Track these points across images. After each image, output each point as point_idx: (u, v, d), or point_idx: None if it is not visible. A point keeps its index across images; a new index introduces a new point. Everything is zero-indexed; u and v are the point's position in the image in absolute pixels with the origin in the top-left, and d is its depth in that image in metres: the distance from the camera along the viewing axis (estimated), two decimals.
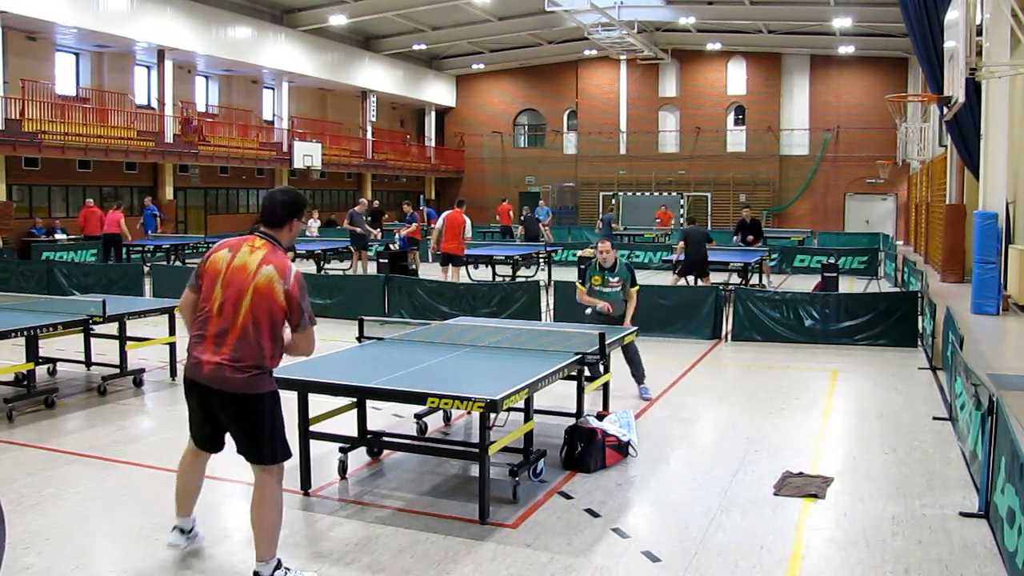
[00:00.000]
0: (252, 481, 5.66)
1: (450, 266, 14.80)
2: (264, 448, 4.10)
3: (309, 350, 4.24)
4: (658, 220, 29.24)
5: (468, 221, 14.84)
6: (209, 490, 5.59)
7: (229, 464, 6.19)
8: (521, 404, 5.34)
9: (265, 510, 4.08)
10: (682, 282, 14.54)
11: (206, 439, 4.37)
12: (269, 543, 4.07)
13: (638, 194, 37.06)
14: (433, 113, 40.87)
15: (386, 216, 27.13)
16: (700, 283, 13.97)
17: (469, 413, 6.88)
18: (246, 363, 3.99)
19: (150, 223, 23.20)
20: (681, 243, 14.62)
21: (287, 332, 4.13)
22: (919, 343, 10.69)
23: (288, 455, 4.19)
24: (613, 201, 36.30)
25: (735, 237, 19.61)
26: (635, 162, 37.84)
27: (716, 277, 15.24)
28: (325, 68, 32.21)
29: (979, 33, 11.33)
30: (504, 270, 16.78)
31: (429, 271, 16.73)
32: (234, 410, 4.07)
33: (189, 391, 4.20)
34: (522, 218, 22.19)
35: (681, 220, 29.91)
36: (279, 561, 4.11)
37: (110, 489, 5.55)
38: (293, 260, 4.18)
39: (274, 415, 4.12)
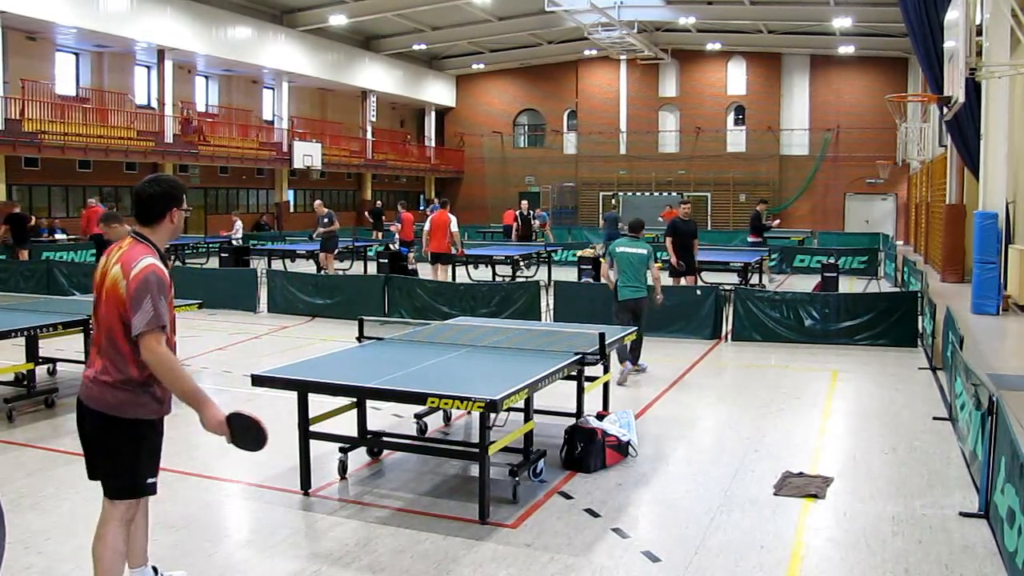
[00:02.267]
0: (252, 481, 5.70)
1: (439, 265, 14.91)
2: (109, 478, 3.65)
3: (156, 361, 3.49)
4: (662, 220, 29.19)
5: (454, 219, 14.87)
6: (209, 490, 5.60)
7: (229, 464, 6.20)
8: (521, 404, 5.34)
9: (100, 547, 3.64)
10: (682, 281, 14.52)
11: (88, 465, 3.78)
12: None
13: (638, 194, 37.06)
14: (433, 113, 40.87)
15: (385, 216, 27.20)
16: (684, 281, 13.29)
17: (469, 413, 6.88)
18: (112, 377, 3.57)
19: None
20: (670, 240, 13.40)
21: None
22: (919, 343, 10.69)
23: (134, 496, 3.65)
24: (613, 201, 36.26)
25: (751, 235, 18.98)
26: (635, 162, 37.85)
27: (717, 277, 15.25)
28: (325, 68, 32.22)
29: (979, 33, 11.32)
30: (504, 270, 16.80)
31: (429, 271, 16.75)
32: (93, 428, 3.67)
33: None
34: (520, 215, 22.18)
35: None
36: None
37: None
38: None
39: (133, 446, 3.61)
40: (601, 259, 9.33)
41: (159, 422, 3.74)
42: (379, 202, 29.47)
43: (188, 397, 3.58)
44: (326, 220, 17.86)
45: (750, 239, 18.73)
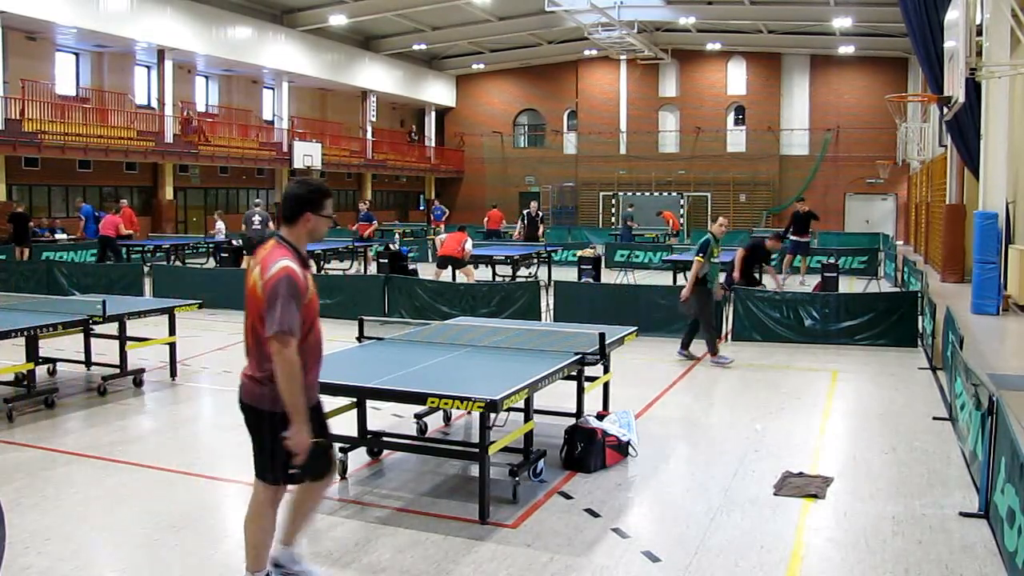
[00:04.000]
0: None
1: (449, 267, 15.15)
2: (255, 461, 3.89)
3: (279, 363, 3.59)
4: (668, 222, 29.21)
5: (470, 240, 15.54)
6: (209, 490, 5.61)
7: (229, 464, 6.20)
8: (521, 404, 5.34)
9: (246, 519, 3.92)
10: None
11: None
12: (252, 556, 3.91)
13: (638, 194, 37.08)
14: (433, 113, 40.89)
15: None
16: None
17: (469, 413, 6.88)
18: (256, 372, 3.77)
19: (91, 226, 21.63)
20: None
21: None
22: (919, 343, 10.69)
23: (273, 483, 3.86)
24: (624, 205, 36.26)
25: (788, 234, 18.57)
26: (635, 162, 37.85)
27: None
28: (325, 68, 32.23)
29: (979, 33, 11.32)
30: (504, 270, 16.81)
31: (428, 271, 16.76)
32: (245, 417, 3.88)
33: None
34: (527, 214, 22.09)
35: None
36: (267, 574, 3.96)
37: (110, 489, 5.55)
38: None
39: (272, 437, 3.77)
40: (699, 258, 9.72)
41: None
42: (370, 201, 29.47)
43: (294, 407, 3.65)
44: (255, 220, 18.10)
45: (795, 238, 18.51)
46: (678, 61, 36.87)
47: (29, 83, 22.94)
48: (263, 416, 3.75)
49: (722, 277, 10.96)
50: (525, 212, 22.42)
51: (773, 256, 13.20)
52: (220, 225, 22.93)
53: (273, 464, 3.79)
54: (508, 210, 37.78)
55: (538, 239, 21.05)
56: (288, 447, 3.67)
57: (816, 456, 6.30)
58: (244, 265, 17.32)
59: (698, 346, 10.05)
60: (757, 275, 12.66)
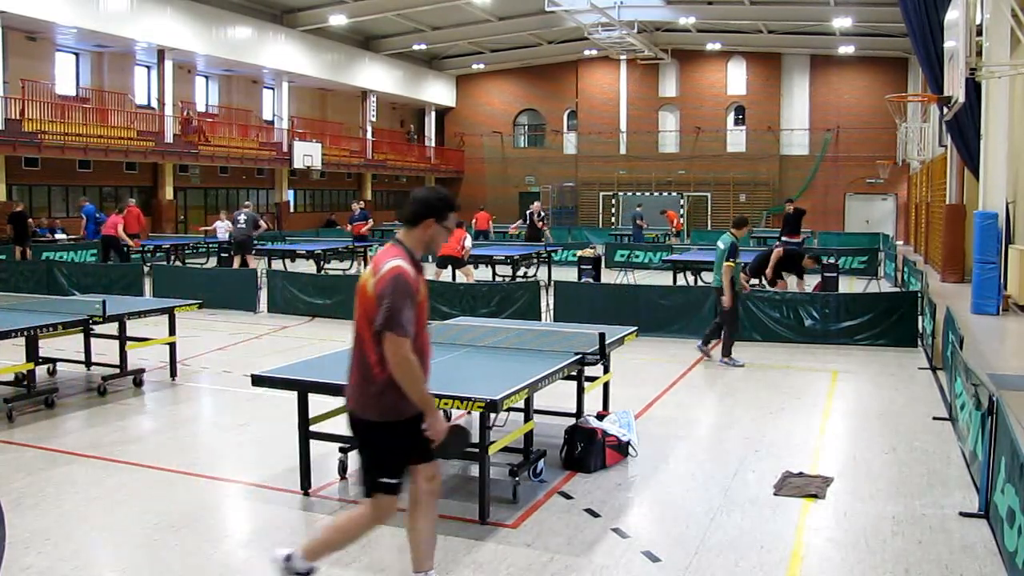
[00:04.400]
0: (251, 481, 5.69)
1: (449, 267, 15.11)
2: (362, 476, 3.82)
3: (395, 362, 3.52)
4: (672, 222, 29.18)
5: (469, 236, 15.54)
6: (209, 490, 5.61)
7: (229, 464, 6.20)
8: (521, 404, 5.34)
9: (340, 524, 3.85)
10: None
11: None
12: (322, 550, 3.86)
13: (638, 194, 37.08)
14: (433, 113, 40.89)
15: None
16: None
17: (469, 413, 6.87)
18: (359, 380, 3.68)
19: (92, 226, 21.49)
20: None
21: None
22: (919, 343, 10.69)
23: (371, 492, 3.74)
24: (632, 204, 36.28)
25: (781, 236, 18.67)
26: (635, 162, 37.86)
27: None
28: (325, 68, 32.23)
29: (979, 33, 11.32)
30: (504, 270, 16.81)
31: (427, 271, 16.76)
32: (364, 436, 3.76)
33: None
34: (529, 214, 22.08)
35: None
36: None
37: (110, 489, 5.55)
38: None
39: (381, 446, 3.71)
40: (730, 263, 9.66)
41: (398, 424, 3.69)
42: (362, 201, 29.46)
43: (422, 402, 3.63)
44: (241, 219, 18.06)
45: (786, 239, 18.50)
46: (678, 61, 36.87)
47: (29, 83, 22.93)
48: (377, 425, 3.67)
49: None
50: (528, 212, 22.42)
51: (805, 271, 13.28)
52: (221, 224, 22.87)
53: (367, 473, 3.75)
54: (508, 210, 37.95)
55: (539, 239, 21.04)
56: (435, 437, 3.68)
57: (816, 456, 6.30)
58: (236, 265, 17.34)
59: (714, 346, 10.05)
60: (783, 278, 12.82)
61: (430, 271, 15.90)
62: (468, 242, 15.16)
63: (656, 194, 36.54)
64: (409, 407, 3.63)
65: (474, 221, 25.28)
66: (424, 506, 3.83)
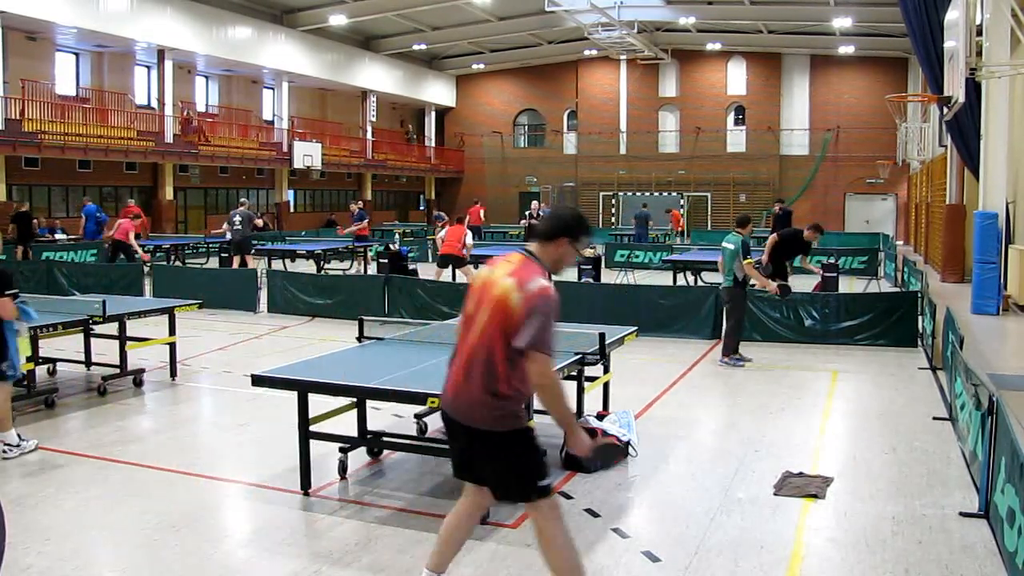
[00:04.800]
0: (251, 481, 5.70)
1: (451, 267, 15.11)
2: (516, 488, 3.68)
3: (542, 382, 3.46)
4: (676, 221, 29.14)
5: (470, 233, 15.40)
6: (209, 490, 5.61)
7: (229, 464, 6.20)
8: None
9: (543, 549, 3.69)
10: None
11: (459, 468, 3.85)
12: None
13: (638, 194, 37.08)
14: (433, 113, 40.88)
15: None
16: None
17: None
18: (483, 394, 3.53)
19: (91, 226, 21.35)
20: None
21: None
22: (919, 343, 10.69)
23: (542, 495, 3.63)
24: (637, 204, 36.27)
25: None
26: (635, 162, 37.86)
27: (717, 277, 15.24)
28: (325, 68, 32.23)
29: (979, 33, 11.31)
30: None
31: (428, 271, 16.77)
32: (484, 446, 3.64)
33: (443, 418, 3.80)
34: (528, 214, 22.11)
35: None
36: None
37: (110, 489, 5.55)
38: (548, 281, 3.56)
39: (522, 453, 3.62)
40: (748, 259, 9.63)
41: (526, 430, 3.64)
42: (361, 202, 29.47)
43: (565, 421, 3.57)
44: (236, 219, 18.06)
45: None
46: (678, 61, 36.87)
47: (29, 83, 22.93)
48: (509, 436, 3.57)
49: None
50: (527, 212, 22.44)
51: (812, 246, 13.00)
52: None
53: (532, 476, 3.61)
54: (509, 210, 37.96)
55: None
56: (581, 453, 3.66)
57: (816, 456, 6.30)
58: (235, 265, 17.32)
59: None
60: (789, 267, 12.50)
61: (429, 271, 15.93)
62: (469, 239, 15.13)
63: (656, 194, 36.53)
64: (525, 414, 3.67)
65: (467, 217, 25.24)
66: (469, 518, 3.88)
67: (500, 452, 3.59)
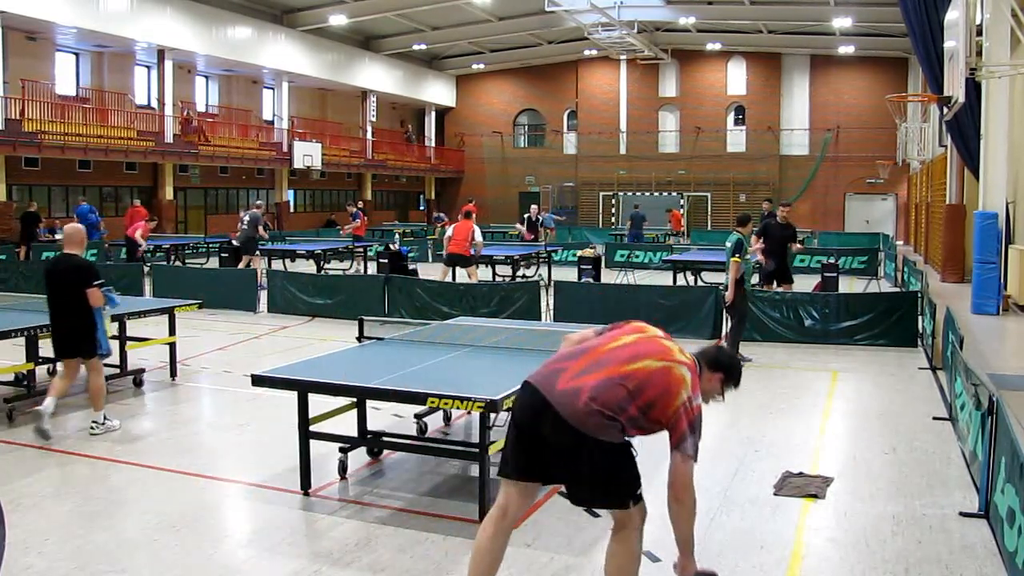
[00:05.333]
0: (252, 481, 5.70)
1: (456, 267, 15.04)
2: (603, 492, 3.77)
3: (683, 491, 3.59)
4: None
5: (477, 229, 15.23)
6: (209, 490, 5.61)
7: (230, 464, 6.20)
8: None
9: (622, 558, 3.67)
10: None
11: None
12: None
13: (638, 194, 37.09)
14: (433, 113, 40.88)
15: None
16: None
17: (469, 413, 6.88)
18: (600, 407, 3.49)
19: (90, 224, 20.68)
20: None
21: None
22: (919, 343, 10.69)
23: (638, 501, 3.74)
24: (630, 205, 36.28)
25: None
26: (635, 162, 37.86)
27: (718, 277, 15.24)
28: (325, 68, 32.23)
29: (979, 33, 11.31)
30: (504, 270, 16.80)
31: (428, 271, 16.77)
32: (569, 440, 3.56)
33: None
34: (527, 218, 22.01)
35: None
36: None
37: (110, 489, 5.55)
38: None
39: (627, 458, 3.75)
40: (736, 259, 9.60)
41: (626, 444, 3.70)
42: (361, 203, 29.49)
43: (686, 539, 3.64)
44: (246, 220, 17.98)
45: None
46: (678, 61, 36.87)
47: (29, 83, 22.92)
48: (605, 445, 3.58)
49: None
50: (526, 216, 22.37)
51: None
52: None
53: (634, 483, 3.71)
54: (509, 210, 37.95)
55: (538, 239, 21.01)
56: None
57: (816, 456, 6.30)
58: (242, 265, 17.32)
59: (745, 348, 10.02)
60: (789, 259, 12.57)
61: (429, 271, 15.93)
62: (479, 235, 14.96)
63: (656, 194, 36.55)
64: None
65: (473, 215, 25.23)
66: (505, 535, 3.67)
67: (605, 456, 3.57)
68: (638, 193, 37.10)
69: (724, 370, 3.73)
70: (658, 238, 26.89)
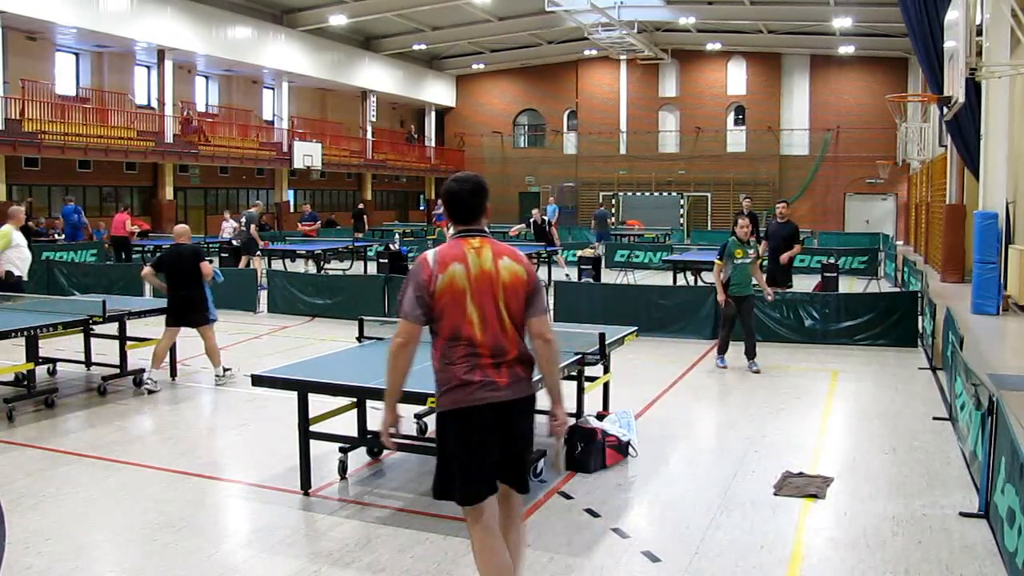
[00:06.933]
0: (251, 481, 5.70)
1: None
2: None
3: (552, 335, 3.71)
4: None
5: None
6: (209, 490, 5.60)
7: (230, 464, 6.20)
8: None
9: (521, 531, 3.79)
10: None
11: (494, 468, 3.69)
12: None
13: (638, 194, 37.09)
14: (433, 113, 40.88)
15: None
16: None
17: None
18: (525, 364, 3.69)
19: (67, 229, 21.16)
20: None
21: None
22: (919, 343, 10.69)
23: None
24: (609, 200, 36.24)
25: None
26: (635, 162, 37.85)
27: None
28: (325, 68, 32.23)
29: (979, 33, 11.31)
30: None
31: None
32: (525, 421, 3.76)
33: (477, 421, 3.63)
34: (531, 220, 21.74)
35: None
36: None
37: (110, 489, 5.55)
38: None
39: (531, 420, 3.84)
40: (718, 261, 9.51)
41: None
42: (361, 204, 29.58)
43: (559, 387, 3.80)
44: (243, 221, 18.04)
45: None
46: (678, 61, 36.86)
47: (29, 83, 22.93)
48: (533, 400, 3.80)
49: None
50: (531, 220, 22.16)
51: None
52: (226, 224, 22.78)
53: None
54: (508, 211, 37.92)
55: (545, 240, 20.69)
56: (558, 431, 3.75)
57: (816, 456, 6.30)
58: (242, 265, 17.33)
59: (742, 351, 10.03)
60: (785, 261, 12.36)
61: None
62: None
63: (656, 194, 36.54)
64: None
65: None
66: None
67: (528, 419, 3.77)
68: (638, 193, 37.13)
69: (485, 200, 3.81)
70: (658, 238, 26.88)
